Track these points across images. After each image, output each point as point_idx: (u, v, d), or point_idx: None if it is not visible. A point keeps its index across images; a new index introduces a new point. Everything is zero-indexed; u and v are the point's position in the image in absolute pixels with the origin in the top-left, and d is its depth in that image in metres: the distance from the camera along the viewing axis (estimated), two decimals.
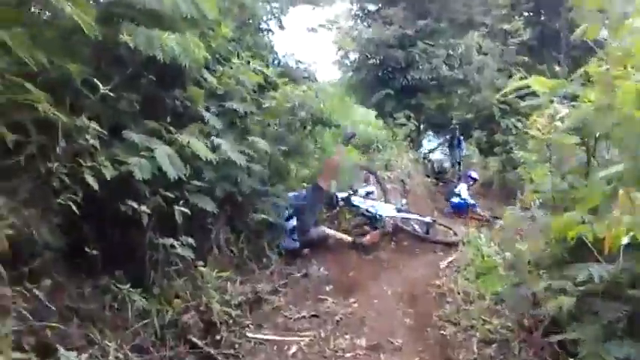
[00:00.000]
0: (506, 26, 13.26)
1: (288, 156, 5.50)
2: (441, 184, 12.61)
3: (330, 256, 5.17)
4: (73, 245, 3.28)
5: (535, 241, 4.77)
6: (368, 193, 6.46)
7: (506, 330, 3.61)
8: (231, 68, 4.93)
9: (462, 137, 12.79)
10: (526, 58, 12.52)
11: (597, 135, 3.23)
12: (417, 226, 6.17)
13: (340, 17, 13.76)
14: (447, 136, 13.12)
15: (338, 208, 6.02)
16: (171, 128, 3.94)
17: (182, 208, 3.57)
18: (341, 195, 6.06)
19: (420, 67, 12.16)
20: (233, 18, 5.58)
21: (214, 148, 4.14)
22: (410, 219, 6.23)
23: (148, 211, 3.39)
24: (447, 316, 4.06)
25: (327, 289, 4.64)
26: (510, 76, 13.27)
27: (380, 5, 13.71)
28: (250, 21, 6.27)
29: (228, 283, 4.05)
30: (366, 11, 14.21)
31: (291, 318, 4.05)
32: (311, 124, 5.66)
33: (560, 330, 2.99)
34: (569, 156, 3.38)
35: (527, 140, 10.93)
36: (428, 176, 12.36)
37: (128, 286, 3.34)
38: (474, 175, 11.08)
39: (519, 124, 11.32)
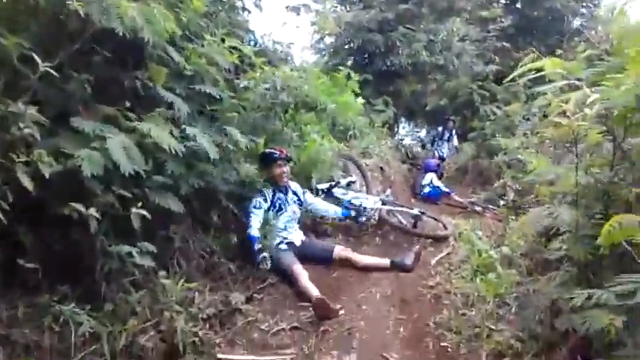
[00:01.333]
0: (484, 13, 12.79)
1: (265, 145, 4.83)
2: (415, 169, 12.10)
3: None
4: (4, 256, 2.59)
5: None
6: (349, 183, 5.83)
7: (518, 341, 3.06)
8: (203, 46, 4.21)
9: (454, 131, 11.77)
10: (506, 44, 12.04)
11: (628, 123, 2.71)
12: (402, 219, 5.57)
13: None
14: (438, 128, 11.99)
15: None
16: (129, 114, 3.24)
17: (141, 211, 2.89)
18: (321, 187, 5.42)
19: (400, 52, 11.52)
20: None
21: (183, 138, 3.47)
22: (396, 211, 5.63)
23: (97, 215, 2.71)
24: (446, 323, 3.51)
25: None
26: (487, 63, 13.01)
27: None
28: None
29: (196, 293, 3.41)
30: None
31: (268, 331, 3.42)
32: (293, 108, 4.95)
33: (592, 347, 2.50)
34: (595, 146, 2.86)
35: (506, 127, 10.59)
36: (404, 162, 11.84)
37: (72, 305, 2.67)
38: (434, 162, 10.55)
39: (498, 111, 10.90)
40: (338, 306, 3.74)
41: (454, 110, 12.62)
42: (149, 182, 3.30)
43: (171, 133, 3.25)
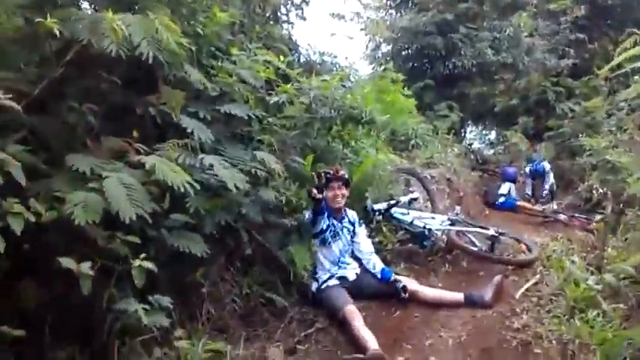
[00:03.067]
0: (552, 5, 11.50)
1: (313, 165, 4.20)
2: (486, 175, 10.95)
3: None
4: None
5: None
6: (411, 201, 5.05)
7: None
8: (234, 63, 3.69)
9: (548, 164, 8.98)
10: (582, 36, 10.69)
11: None
12: (476, 240, 4.67)
13: (369, 7, 12.23)
14: (529, 166, 9.15)
15: (374, 224, 4.63)
16: (139, 147, 2.74)
17: (145, 263, 2.33)
18: (378, 206, 4.66)
19: (463, 53, 10.52)
20: (237, 5, 4.34)
21: (204, 168, 2.93)
22: (467, 232, 4.73)
23: (90, 272, 2.18)
24: None
25: None
26: (561, 57, 11.68)
27: None
28: (262, 9, 5.01)
29: (228, 347, 2.81)
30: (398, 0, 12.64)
31: None
32: (339, 123, 4.28)
33: None
34: None
35: (587, 124, 9.30)
36: (474, 169, 10.76)
37: None
38: (513, 170, 9.33)
39: (577, 108, 9.60)
40: (400, 359, 3.01)
41: (526, 110, 11.44)
42: (168, 222, 2.80)
43: (184, 163, 2.71)
